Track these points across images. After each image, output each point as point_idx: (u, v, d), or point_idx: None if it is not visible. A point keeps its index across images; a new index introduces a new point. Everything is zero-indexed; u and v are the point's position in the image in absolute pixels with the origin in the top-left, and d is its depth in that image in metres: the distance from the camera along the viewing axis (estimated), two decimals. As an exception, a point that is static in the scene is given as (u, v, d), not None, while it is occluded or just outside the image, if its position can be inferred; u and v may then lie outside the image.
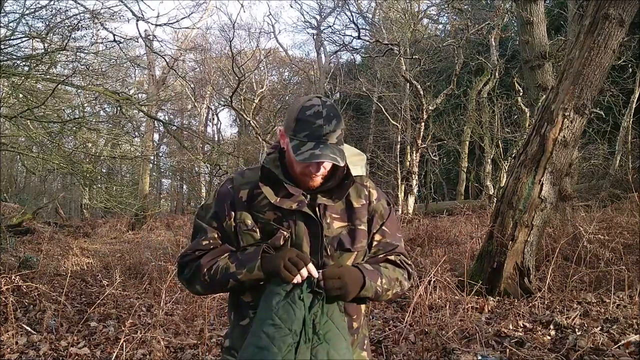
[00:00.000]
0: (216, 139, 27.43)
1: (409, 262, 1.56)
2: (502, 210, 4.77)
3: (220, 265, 1.40)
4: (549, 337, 3.46)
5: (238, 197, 1.45)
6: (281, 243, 1.40)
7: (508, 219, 4.66)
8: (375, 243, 1.51)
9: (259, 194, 1.43)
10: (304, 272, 1.31)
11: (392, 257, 1.51)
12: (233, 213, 1.45)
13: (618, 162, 10.17)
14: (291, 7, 58.92)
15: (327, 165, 1.40)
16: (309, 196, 1.44)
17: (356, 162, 1.52)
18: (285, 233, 1.40)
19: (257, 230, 1.42)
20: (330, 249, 1.43)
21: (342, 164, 1.35)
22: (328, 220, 1.44)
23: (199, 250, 1.46)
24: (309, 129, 1.33)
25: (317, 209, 1.43)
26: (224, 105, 25.08)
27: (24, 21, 7.70)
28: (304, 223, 1.42)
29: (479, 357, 3.15)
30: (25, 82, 7.59)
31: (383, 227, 1.52)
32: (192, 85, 23.05)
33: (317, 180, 1.42)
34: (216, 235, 1.46)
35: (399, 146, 16.00)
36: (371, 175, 14.95)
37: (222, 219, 1.45)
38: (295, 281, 1.30)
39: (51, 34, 7.88)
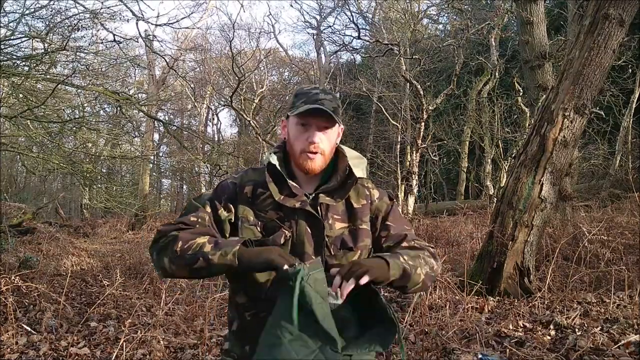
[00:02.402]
0: (216, 139, 27.42)
1: (426, 244, 1.54)
2: (502, 210, 4.77)
3: (197, 242, 1.34)
4: (549, 337, 3.46)
5: (243, 193, 1.47)
6: (282, 242, 1.41)
7: (508, 219, 4.66)
8: (382, 240, 1.51)
9: (263, 192, 1.45)
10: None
11: (404, 244, 1.50)
12: (231, 205, 1.45)
13: (618, 162, 10.16)
14: (291, 6, 58.82)
15: (323, 138, 1.43)
16: (311, 196, 1.46)
17: (357, 164, 1.53)
18: (286, 232, 1.41)
19: (259, 227, 1.43)
20: (333, 248, 1.44)
21: (335, 124, 1.43)
22: (330, 221, 1.45)
23: (183, 223, 1.42)
24: (305, 96, 1.43)
25: (319, 208, 1.44)
26: (224, 105, 25.08)
27: (24, 21, 7.70)
28: (306, 222, 1.43)
29: (480, 356, 3.15)
30: (25, 82, 7.58)
31: (387, 223, 1.52)
32: (192, 85, 23.04)
33: (316, 161, 1.44)
34: (207, 217, 1.43)
35: (399, 146, 15.99)
36: (371, 175, 14.93)
37: (217, 207, 1.45)
38: (286, 267, 1.25)
39: (51, 34, 7.87)
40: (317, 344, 1.24)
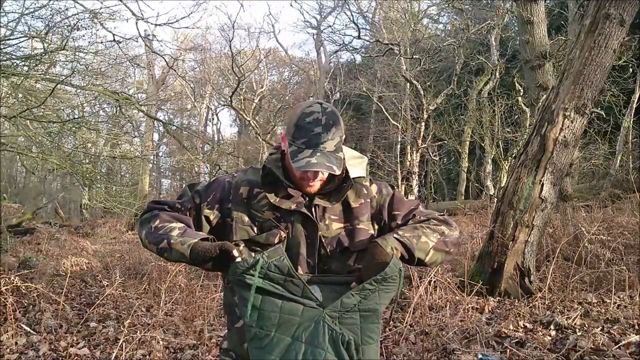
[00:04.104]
0: (216, 139, 27.43)
1: (436, 214, 1.53)
2: (502, 211, 4.76)
3: (170, 226, 1.41)
4: (549, 338, 3.45)
5: (237, 194, 1.47)
6: (276, 241, 1.41)
7: (508, 219, 4.65)
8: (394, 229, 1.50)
9: (259, 192, 1.46)
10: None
11: (411, 222, 1.50)
12: (218, 205, 1.48)
13: (619, 162, 10.14)
14: (291, 6, 58.83)
15: (323, 171, 1.40)
16: (307, 198, 1.46)
17: (357, 164, 1.53)
18: (282, 232, 1.42)
19: (255, 227, 1.43)
20: (329, 248, 1.44)
21: (337, 173, 1.37)
22: (327, 222, 1.45)
23: (168, 205, 1.50)
24: (307, 136, 1.35)
25: (314, 209, 1.44)
26: (223, 105, 25.07)
27: (23, 21, 7.72)
28: (302, 224, 1.43)
29: (480, 356, 3.14)
30: (24, 82, 7.58)
31: (393, 213, 1.52)
32: (192, 85, 23.02)
33: (315, 186, 1.44)
34: (189, 206, 1.50)
35: (399, 146, 16.00)
36: (371, 175, 14.85)
37: (202, 201, 1.49)
38: (235, 253, 1.31)
39: (50, 34, 7.87)
40: (300, 306, 1.31)
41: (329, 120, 1.37)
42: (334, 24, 32.24)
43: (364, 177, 1.54)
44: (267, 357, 1.28)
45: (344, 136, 1.43)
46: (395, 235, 1.40)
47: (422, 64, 13.22)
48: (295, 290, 1.33)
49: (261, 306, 1.31)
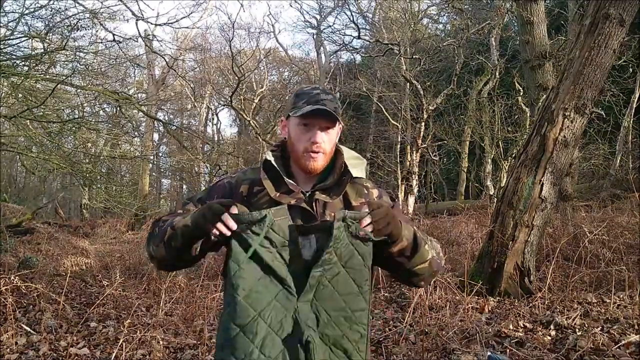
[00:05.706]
0: (216, 139, 27.41)
1: (430, 238, 1.55)
2: (502, 211, 4.76)
3: (172, 217, 1.41)
4: (549, 337, 3.45)
5: (238, 192, 1.48)
6: None
7: (508, 219, 4.66)
8: None
9: (260, 190, 1.46)
10: (225, 218, 1.27)
11: None
12: None
13: (618, 162, 10.15)
14: (291, 6, 58.81)
15: (325, 138, 1.43)
16: (307, 193, 1.46)
17: (356, 165, 1.54)
18: None
19: None
20: None
21: (338, 120, 1.44)
22: (327, 219, 1.44)
23: (172, 214, 1.49)
24: (307, 97, 1.43)
25: (314, 204, 1.44)
26: (223, 105, 25.06)
27: (23, 21, 7.70)
28: (302, 220, 1.43)
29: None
30: (24, 81, 7.58)
31: None
32: (191, 85, 22.99)
33: (318, 161, 1.45)
34: (193, 210, 1.46)
35: (399, 146, 15.98)
36: (371, 175, 14.92)
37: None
38: (213, 231, 1.26)
39: (50, 34, 7.87)
40: (277, 289, 1.28)
41: (326, 90, 1.47)
42: (334, 24, 32.32)
43: (364, 178, 1.55)
44: (230, 325, 1.27)
45: (340, 110, 1.50)
46: (414, 230, 1.41)
47: (422, 64, 13.21)
48: (287, 258, 1.30)
49: (241, 265, 1.27)
